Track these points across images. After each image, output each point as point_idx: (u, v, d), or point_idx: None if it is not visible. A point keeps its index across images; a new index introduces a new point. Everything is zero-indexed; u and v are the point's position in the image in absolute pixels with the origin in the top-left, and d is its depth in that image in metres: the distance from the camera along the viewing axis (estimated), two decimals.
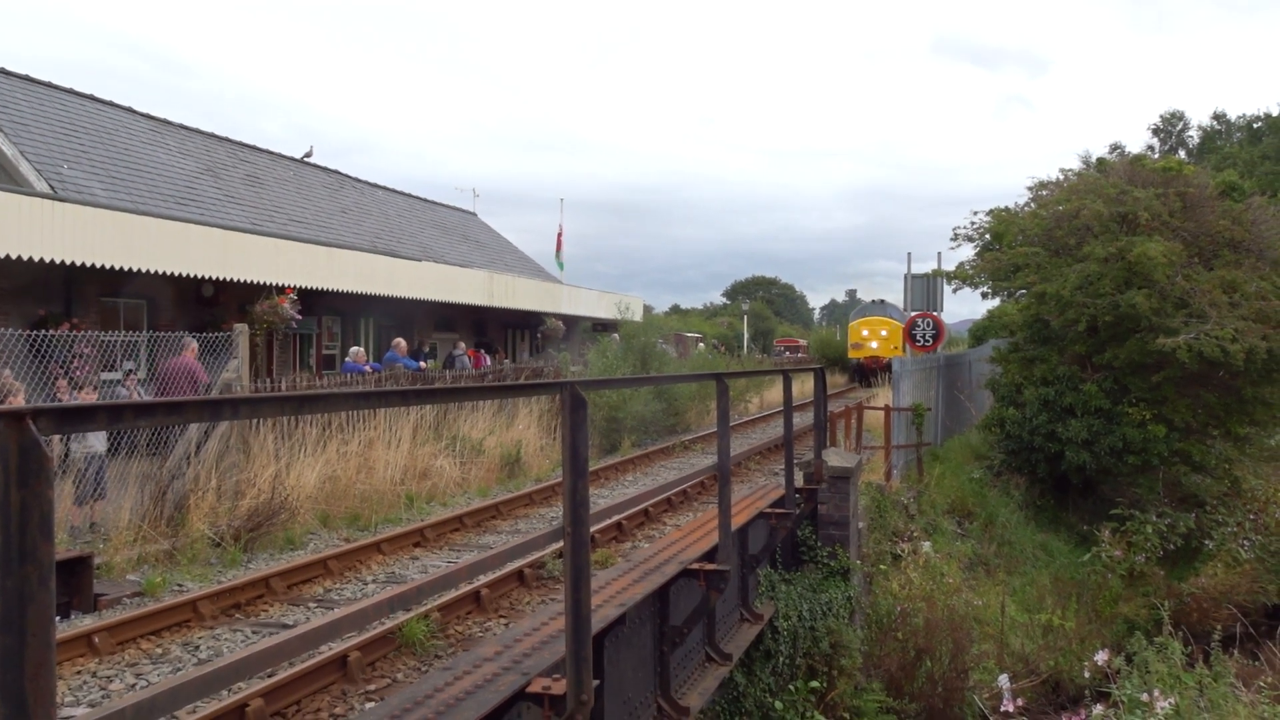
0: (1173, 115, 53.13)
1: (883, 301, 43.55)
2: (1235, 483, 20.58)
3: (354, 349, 18.74)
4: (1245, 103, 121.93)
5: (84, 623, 6.51)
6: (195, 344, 11.71)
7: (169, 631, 6.50)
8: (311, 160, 28.66)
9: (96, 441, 10.00)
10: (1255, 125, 49.24)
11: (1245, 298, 18.42)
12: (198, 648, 6.21)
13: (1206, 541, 18.41)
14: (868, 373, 39.74)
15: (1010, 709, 7.83)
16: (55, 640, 1.79)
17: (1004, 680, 9.42)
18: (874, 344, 41.29)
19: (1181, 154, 48.28)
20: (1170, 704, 6.27)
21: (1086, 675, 8.62)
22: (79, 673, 5.70)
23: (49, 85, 19.63)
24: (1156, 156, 36.12)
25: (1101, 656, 7.39)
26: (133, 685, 5.51)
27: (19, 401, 8.99)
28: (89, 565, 7.29)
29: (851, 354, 42.71)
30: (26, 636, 1.74)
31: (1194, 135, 52.60)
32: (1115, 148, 43.25)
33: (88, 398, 10.38)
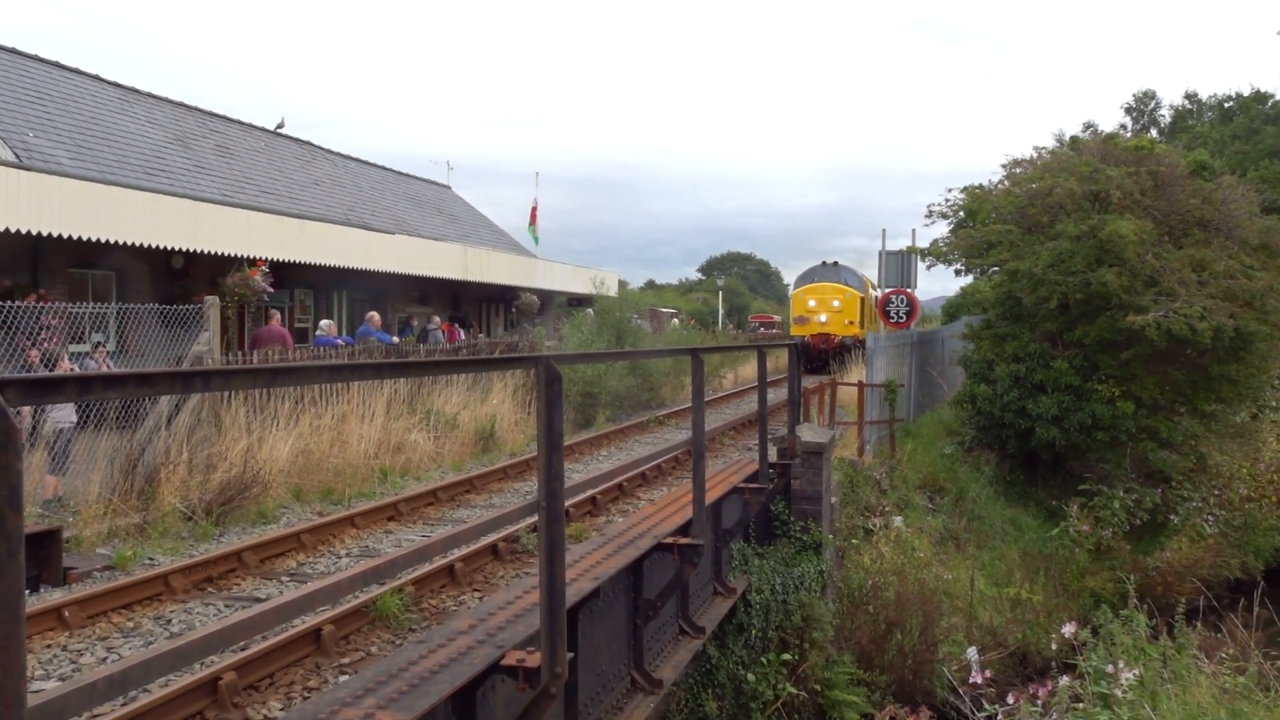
0: (1145, 94, 53.41)
1: (836, 264, 34.58)
2: (1201, 459, 20.88)
3: (324, 322, 18.58)
4: (1217, 82, 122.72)
5: (54, 596, 6.46)
6: (278, 314, 12.52)
7: (140, 605, 6.46)
8: (283, 131, 28.29)
9: (67, 414, 9.88)
10: (1226, 105, 49.55)
11: (1214, 276, 18.62)
12: (170, 621, 6.18)
13: (1172, 517, 18.70)
14: (815, 356, 31.55)
15: (979, 680, 7.94)
16: (25, 613, 1.77)
17: (973, 653, 9.57)
18: (822, 317, 32.65)
19: (1154, 133, 48.59)
20: (1135, 675, 6.38)
21: (1054, 647, 8.75)
22: (49, 646, 5.66)
23: (13, 51, 19.23)
24: (1129, 135, 36.36)
25: (1068, 629, 7.50)
26: (104, 659, 5.48)
27: None
28: (58, 538, 7.23)
29: (795, 330, 33.10)
30: None
31: (1166, 114, 52.86)
32: (1089, 126, 43.41)
33: (63, 370, 10.24)
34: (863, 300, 33.88)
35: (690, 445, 6.83)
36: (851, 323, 32.83)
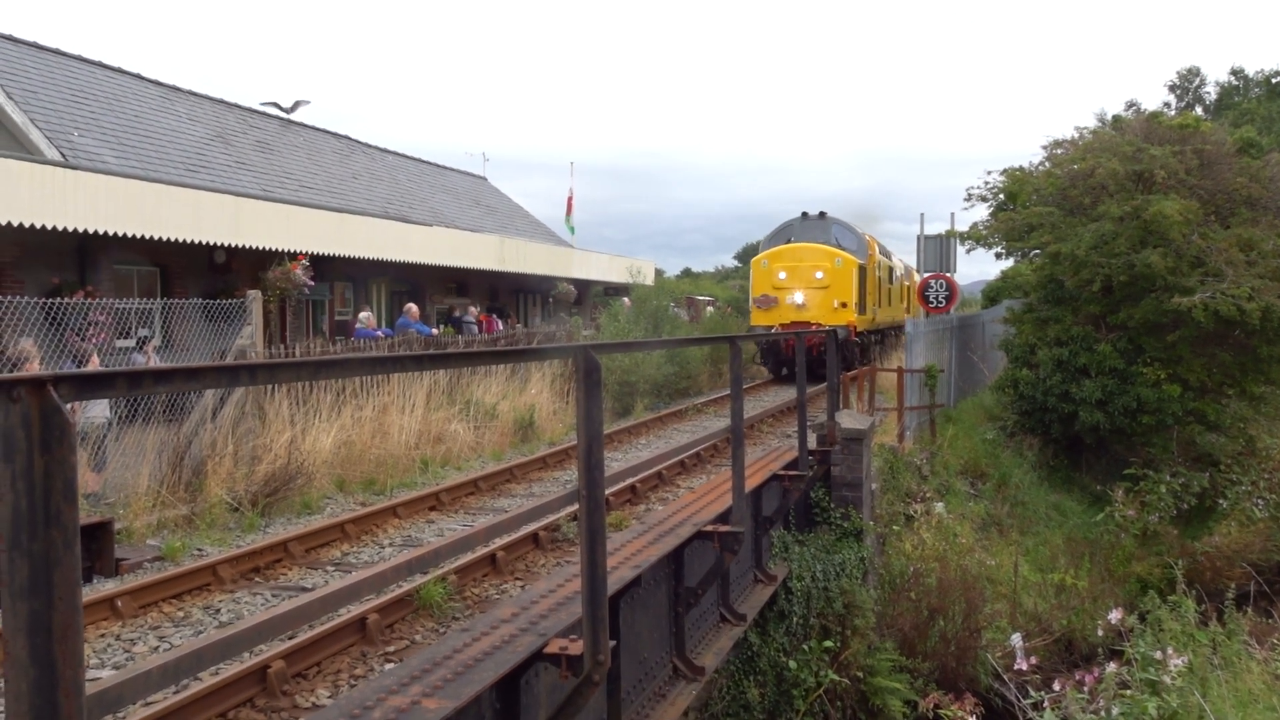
0: (1190, 71, 52.27)
1: (823, 215, 22.87)
2: (1250, 442, 20.54)
3: (363, 314, 18.74)
4: (1264, 58, 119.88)
5: (106, 587, 6.59)
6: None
7: (190, 595, 6.58)
8: (302, 115, 28.41)
9: (100, 410, 9.98)
10: (1274, 80, 48.44)
11: (1262, 256, 18.27)
12: (219, 611, 6.28)
13: (1220, 501, 18.42)
14: (787, 359, 21.20)
15: (1024, 667, 7.88)
16: (82, 603, 1.81)
17: (1017, 639, 9.48)
18: (798, 297, 21.14)
19: (1198, 110, 47.56)
20: (1184, 661, 6.30)
21: (1100, 634, 8.66)
22: (103, 635, 5.78)
23: (57, 52, 19.56)
24: (1173, 113, 35.58)
25: (1115, 615, 7.42)
26: (156, 648, 5.59)
27: (34, 368, 9.06)
28: (109, 530, 7.37)
29: (756, 318, 21.87)
30: (54, 600, 1.76)
31: (1211, 91, 51.71)
32: (1131, 105, 42.60)
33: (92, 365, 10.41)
34: (862, 270, 22.18)
35: (729, 433, 6.82)
36: (844, 305, 21.07)
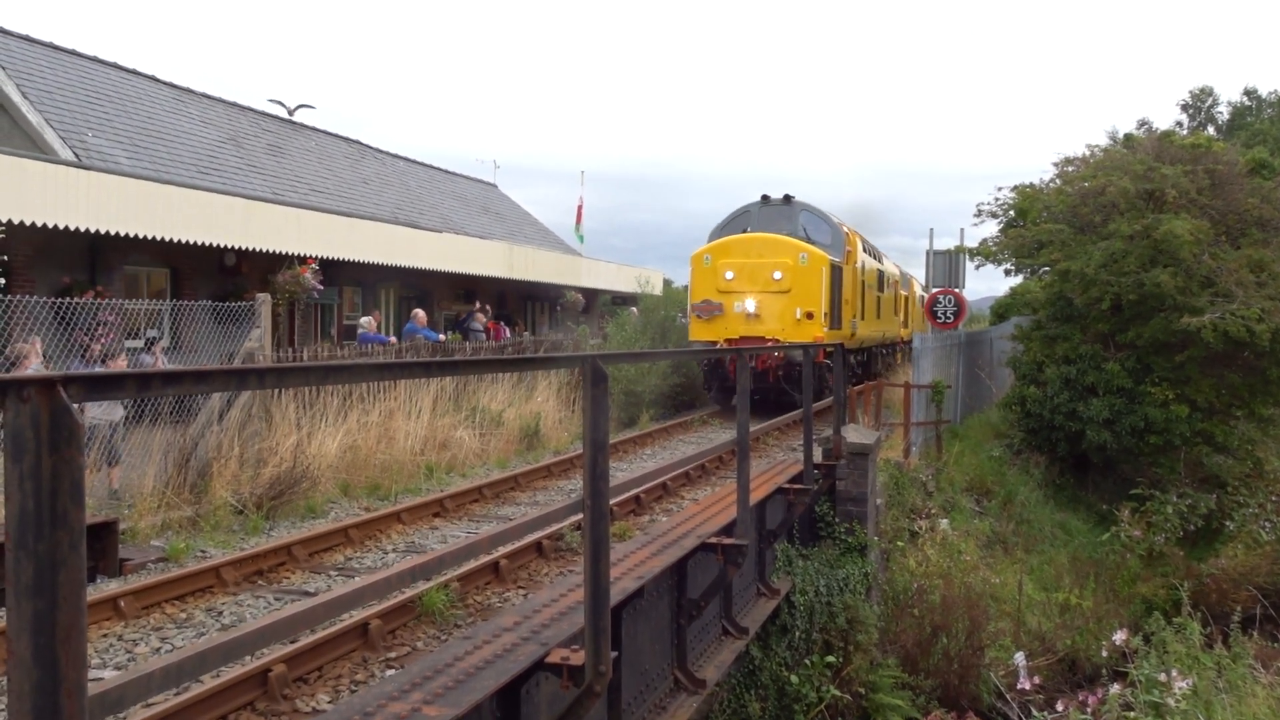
0: (1202, 91, 52.16)
1: (788, 199, 18.71)
2: (1258, 464, 20.46)
3: (364, 319, 18.71)
4: (1277, 79, 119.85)
5: (109, 587, 6.60)
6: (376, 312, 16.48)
7: (193, 597, 6.59)
8: (301, 118, 28.50)
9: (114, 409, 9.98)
10: None
11: (1272, 277, 18.23)
12: (221, 613, 6.29)
13: (1227, 523, 18.34)
14: (733, 385, 14.36)
15: (1026, 686, 7.85)
16: (86, 604, 1.81)
17: (1020, 658, 9.45)
18: (749, 304, 16.93)
19: (1211, 130, 47.49)
20: (1188, 684, 6.26)
21: (1104, 654, 8.63)
22: (105, 636, 5.79)
23: (73, 53, 19.67)
24: (1185, 133, 35.51)
25: (1119, 636, 7.39)
26: (158, 649, 5.59)
27: (30, 365, 9.08)
28: (114, 530, 7.37)
29: (695, 331, 17.61)
30: (58, 600, 1.76)
31: (1223, 111, 51.59)
32: (1143, 123, 42.56)
33: (118, 365, 10.45)
34: (836, 270, 17.90)
35: (734, 445, 6.81)
36: (810, 315, 16.74)
